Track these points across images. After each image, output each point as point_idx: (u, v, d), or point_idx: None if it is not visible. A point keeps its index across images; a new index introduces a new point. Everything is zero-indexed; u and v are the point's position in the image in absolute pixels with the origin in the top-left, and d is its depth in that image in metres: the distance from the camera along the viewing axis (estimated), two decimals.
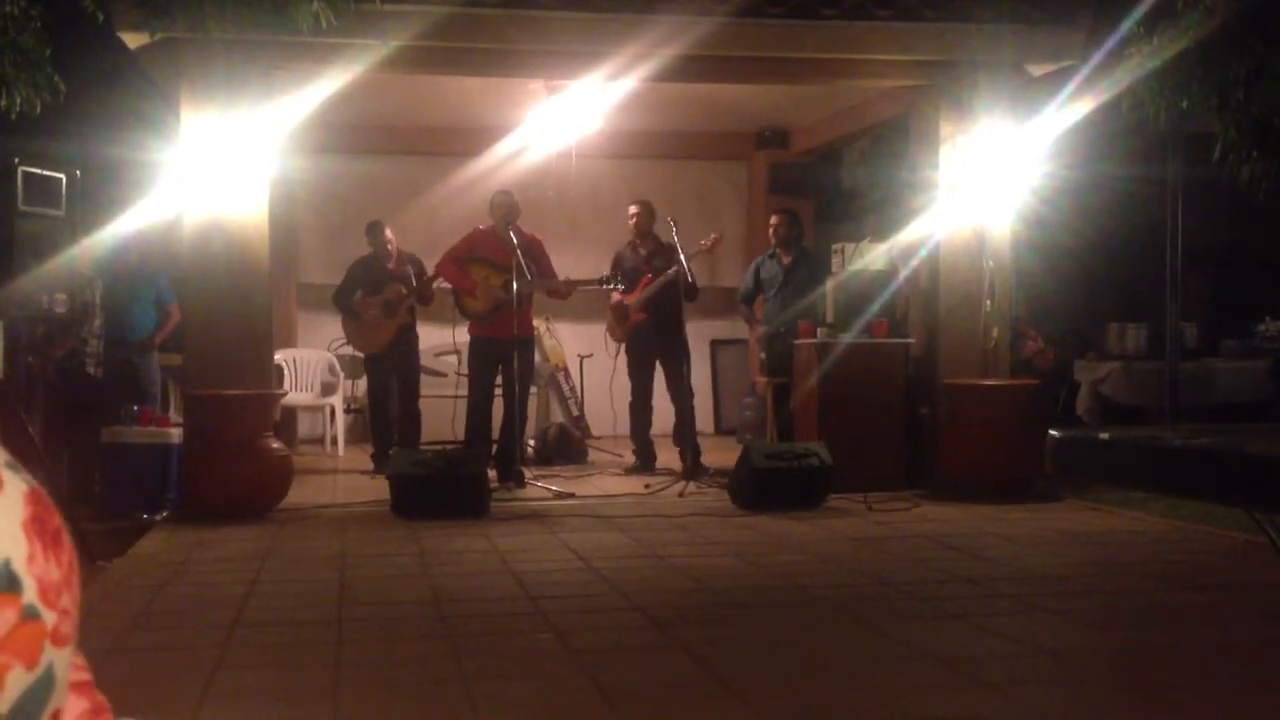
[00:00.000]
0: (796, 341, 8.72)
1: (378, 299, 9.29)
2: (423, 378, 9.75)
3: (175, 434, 7.68)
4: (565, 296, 9.08)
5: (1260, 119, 6.90)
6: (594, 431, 11.44)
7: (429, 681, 3.84)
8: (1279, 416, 9.94)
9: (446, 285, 8.95)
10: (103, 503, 7.57)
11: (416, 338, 9.55)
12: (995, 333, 8.43)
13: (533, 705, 3.64)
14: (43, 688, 0.72)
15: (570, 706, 3.60)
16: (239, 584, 5.32)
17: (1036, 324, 10.07)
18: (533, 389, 10.17)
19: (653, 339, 9.10)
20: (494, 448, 8.64)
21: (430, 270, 9.21)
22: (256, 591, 5.22)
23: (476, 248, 8.68)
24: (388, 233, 9.44)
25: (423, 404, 9.47)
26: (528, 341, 8.84)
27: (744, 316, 10.31)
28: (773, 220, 9.64)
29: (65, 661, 0.75)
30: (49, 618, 0.72)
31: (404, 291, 9.24)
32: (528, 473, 8.51)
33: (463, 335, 8.93)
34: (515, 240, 8.31)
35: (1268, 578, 5.10)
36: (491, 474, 7.98)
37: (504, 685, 3.82)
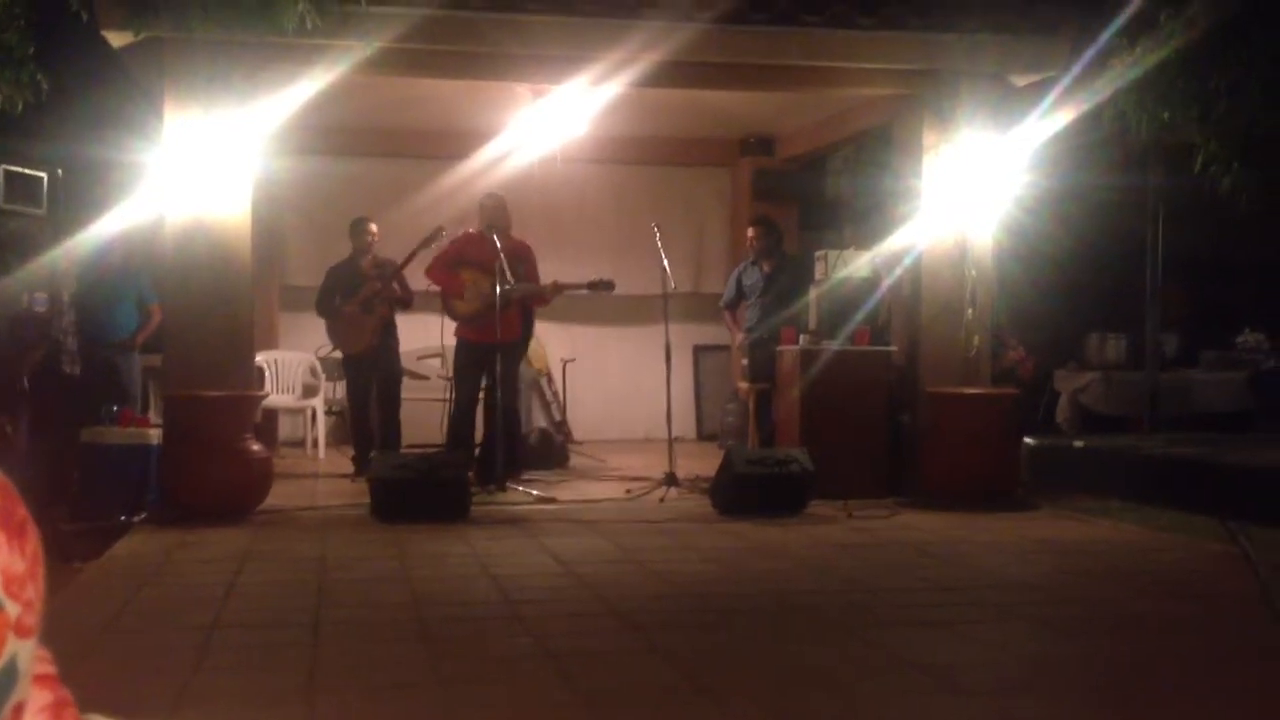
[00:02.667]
0: (779, 348, 8.73)
1: (356, 299, 9.26)
2: (405, 381, 9.72)
3: (155, 435, 7.65)
4: (550, 301, 9.06)
5: (1241, 131, 6.94)
6: (576, 436, 11.44)
7: (406, 685, 3.83)
8: (1257, 427, 9.99)
9: (434, 289, 8.92)
10: (81, 503, 7.53)
11: (397, 341, 9.51)
12: (976, 341, 8.45)
13: (510, 710, 3.63)
14: (5, 679, 0.72)
15: (548, 711, 3.60)
16: (217, 586, 5.30)
17: (1018, 333, 10.10)
18: None
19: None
20: (476, 451, 8.62)
21: (415, 275, 9.20)
22: (235, 594, 5.20)
23: (464, 252, 8.66)
24: (371, 227, 9.39)
25: (405, 407, 9.44)
26: (512, 345, 8.82)
27: (726, 323, 10.31)
28: (749, 232, 9.64)
29: (29, 654, 0.75)
30: (12, 609, 0.72)
31: (379, 286, 9.20)
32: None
33: (449, 337, 8.91)
34: (500, 244, 8.30)
35: (1243, 588, 5.12)
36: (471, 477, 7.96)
37: (481, 689, 3.81)
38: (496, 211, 8.58)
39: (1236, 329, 10.95)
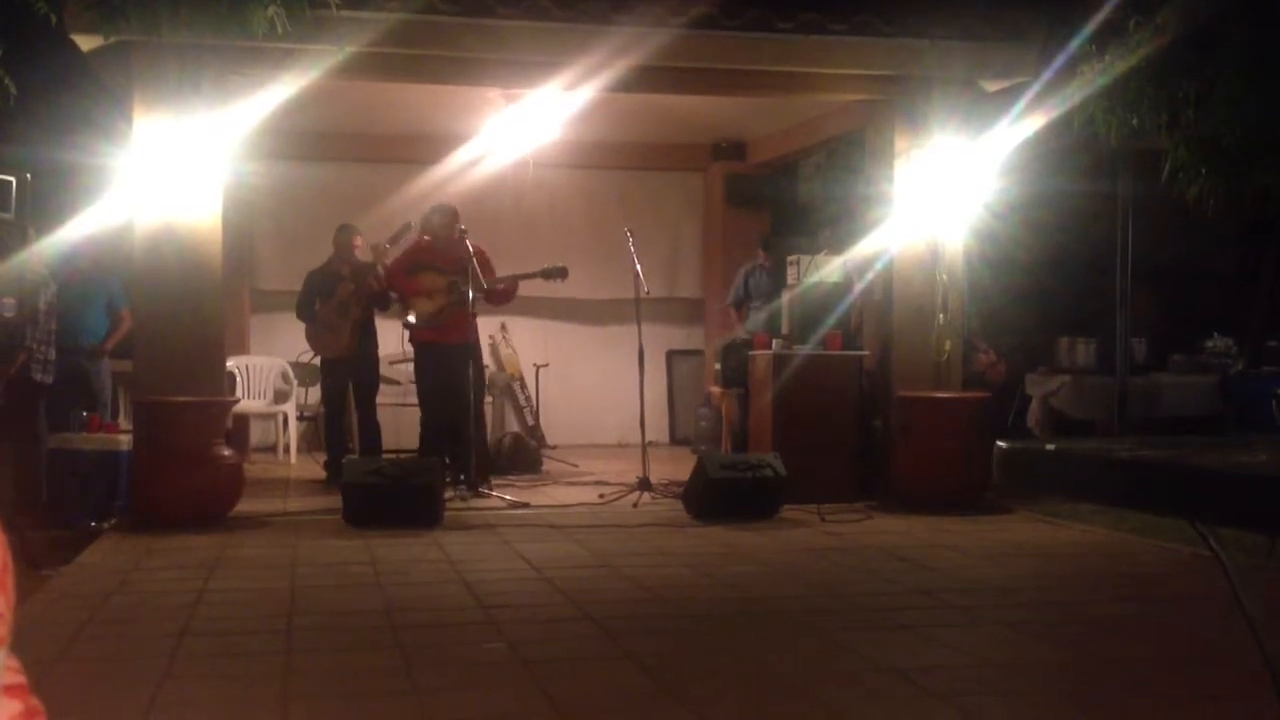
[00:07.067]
0: (752, 353, 8.74)
1: (332, 302, 9.23)
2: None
3: (124, 441, 7.59)
4: (508, 298, 8.91)
5: (1209, 138, 6.99)
6: (549, 441, 11.42)
7: (379, 692, 3.81)
8: (1226, 431, 10.08)
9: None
10: (50, 510, 7.47)
11: (376, 345, 9.46)
12: (948, 346, 8.49)
13: (483, 716, 3.62)
14: None
15: (520, 717, 3.59)
16: (188, 593, 5.27)
17: (988, 337, 10.16)
18: (488, 398, 10.12)
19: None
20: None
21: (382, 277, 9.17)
22: (205, 601, 5.17)
23: (421, 256, 8.65)
24: (357, 239, 9.36)
25: (378, 412, 9.40)
26: (474, 348, 8.74)
27: (730, 321, 10.55)
28: (760, 255, 10.17)
29: (0, 663, 0.74)
30: None
31: (352, 287, 9.16)
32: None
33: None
34: (448, 250, 8.26)
35: (1213, 590, 5.15)
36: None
37: (455, 696, 3.80)
38: (445, 227, 8.56)
39: (1205, 333, 11.04)
